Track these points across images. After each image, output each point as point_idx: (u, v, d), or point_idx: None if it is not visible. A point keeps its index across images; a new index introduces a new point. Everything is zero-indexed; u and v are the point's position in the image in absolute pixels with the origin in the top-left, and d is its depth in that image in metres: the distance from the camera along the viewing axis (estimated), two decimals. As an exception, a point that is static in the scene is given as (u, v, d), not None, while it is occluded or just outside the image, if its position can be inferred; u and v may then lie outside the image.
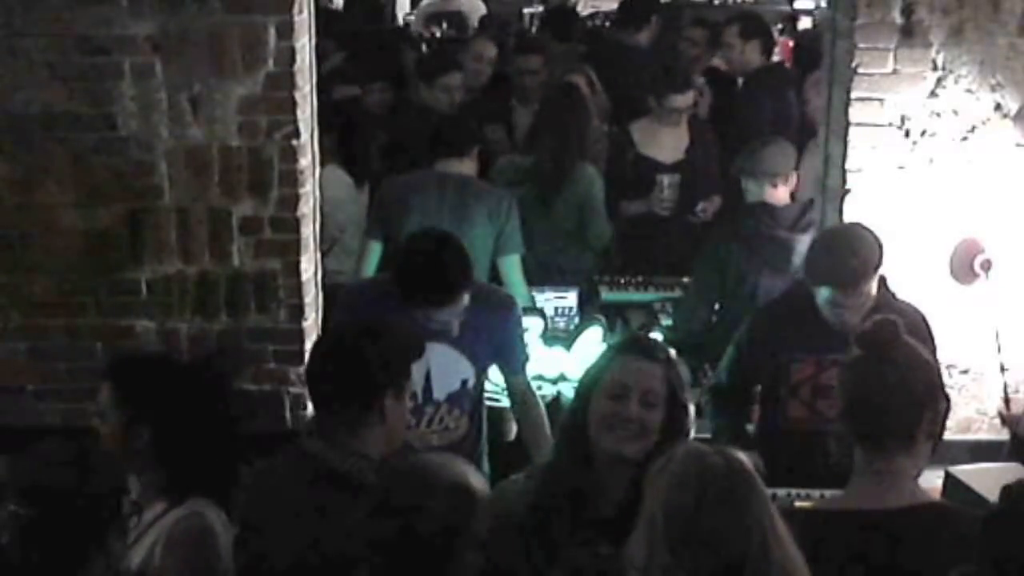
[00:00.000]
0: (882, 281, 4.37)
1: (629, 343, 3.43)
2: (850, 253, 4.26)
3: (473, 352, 4.36)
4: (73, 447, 2.98)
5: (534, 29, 10.09)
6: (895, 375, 2.98)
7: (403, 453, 3.44)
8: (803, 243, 5.17)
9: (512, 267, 5.34)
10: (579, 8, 10.82)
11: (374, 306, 4.31)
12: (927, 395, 3.02)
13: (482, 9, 10.22)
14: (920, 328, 4.07)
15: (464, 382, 4.39)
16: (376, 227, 5.39)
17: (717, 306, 5.43)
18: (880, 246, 4.28)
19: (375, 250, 5.32)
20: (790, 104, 6.97)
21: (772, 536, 2.58)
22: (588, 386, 3.24)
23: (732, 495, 2.57)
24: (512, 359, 4.51)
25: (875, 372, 2.99)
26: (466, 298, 4.22)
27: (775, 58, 7.82)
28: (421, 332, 4.10)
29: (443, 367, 4.33)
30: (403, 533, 2.78)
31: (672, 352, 4.98)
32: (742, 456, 2.66)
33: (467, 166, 5.48)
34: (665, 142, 6.51)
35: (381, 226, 5.36)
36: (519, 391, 4.54)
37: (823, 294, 4.30)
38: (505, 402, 4.75)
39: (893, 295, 4.40)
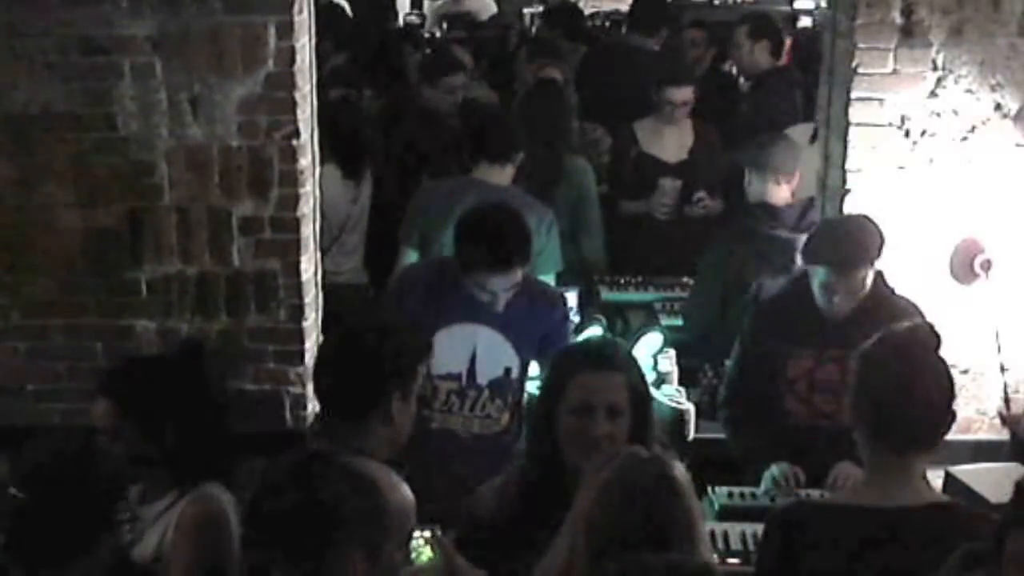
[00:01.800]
0: (880, 276, 4.38)
1: (587, 355, 3.34)
2: (849, 237, 4.33)
3: (519, 341, 4.42)
4: (76, 439, 3.00)
5: (534, 29, 10.10)
6: (929, 386, 3.02)
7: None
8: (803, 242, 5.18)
9: None
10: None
11: (429, 282, 4.44)
12: (951, 400, 3.08)
13: (493, 10, 10.22)
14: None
15: (508, 370, 4.46)
16: (413, 235, 5.25)
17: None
18: (881, 238, 4.32)
19: (412, 257, 5.22)
20: (796, 107, 6.96)
21: (693, 552, 2.59)
22: (550, 401, 3.21)
23: (656, 505, 2.58)
24: None
25: (910, 381, 3.01)
26: (519, 273, 4.28)
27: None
28: (468, 307, 4.30)
29: (489, 352, 4.41)
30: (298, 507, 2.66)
31: (671, 353, 5.05)
32: (679, 466, 2.68)
33: (508, 174, 5.32)
34: (669, 141, 6.50)
35: (418, 234, 5.24)
36: None
37: (818, 275, 4.34)
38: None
39: (892, 291, 4.40)
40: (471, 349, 4.40)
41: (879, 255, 4.32)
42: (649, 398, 3.31)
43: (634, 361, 3.40)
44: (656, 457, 2.69)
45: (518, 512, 3.18)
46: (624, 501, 2.59)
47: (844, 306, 4.30)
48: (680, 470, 2.68)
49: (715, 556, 2.73)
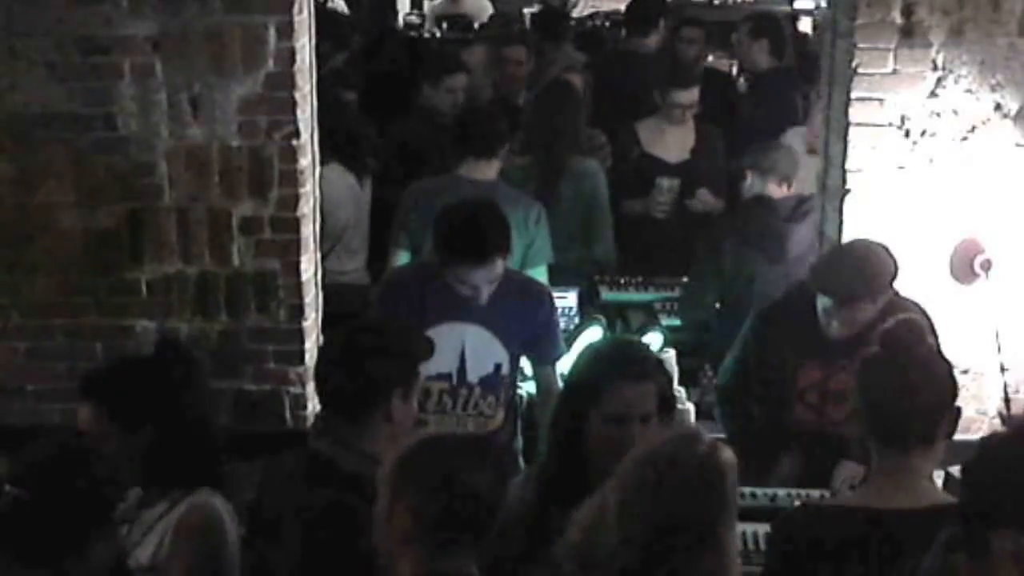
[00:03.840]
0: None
1: (621, 363, 3.33)
2: (856, 270, 4.26)
3: (507, 337, 4.44)
4: (73, 437, 3.01)
5: (534, 29, 10.10)
6: (919, 376, 3.00)
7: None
8: (799, 232, 5.23)
9: (540, 278, 5.13)
10: (579, 8, 10.83)
11: (416, 283, 4.46)
12: (948, 395, 3.05)
13: (489, 11, 10.22)
14: (929, 328, 4.08)
15: (498, 367, 4.47)
16: (402, 235, 5.29)
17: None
18: (893, 269, 4.27)
19: (403, 258, 5.25)
20: (794, 108, 6.95)
21: (717, 538, 2.63)
22: (583, 405, 3.23)
23: (697, 479, 2.61)
24: (544, 350, 4.56)
25: (899, 373, 3.00)
26: (500, 265, 4.30)
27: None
28: (455, 306, 4.32)
29: (477, 349, 4.42)
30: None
31: (671, 353, 5.06)
32: (729, 454, 2.70)
33: (494, 168, 5.37)
34: (671, 142, 6.51)
35: (407, 234, 5.27)
36: (545, 384, 4.58)
37: (822, 301, 4.32)
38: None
39: (896, 292, 4.40)
40: (460, 348, 4.41)
41: (889, 286, 4.28)
42: (674, 402, 3.37)
43: (662, 364, 3.44)
44: (708, 439, 2.71)
45: (538, 509, 3.18)
46: (666, 464, 2.61)
47: (843, 333, 4.27)
48: (728, 455, 2.68)
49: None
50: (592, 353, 3.56)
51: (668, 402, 3.29)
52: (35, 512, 2.80)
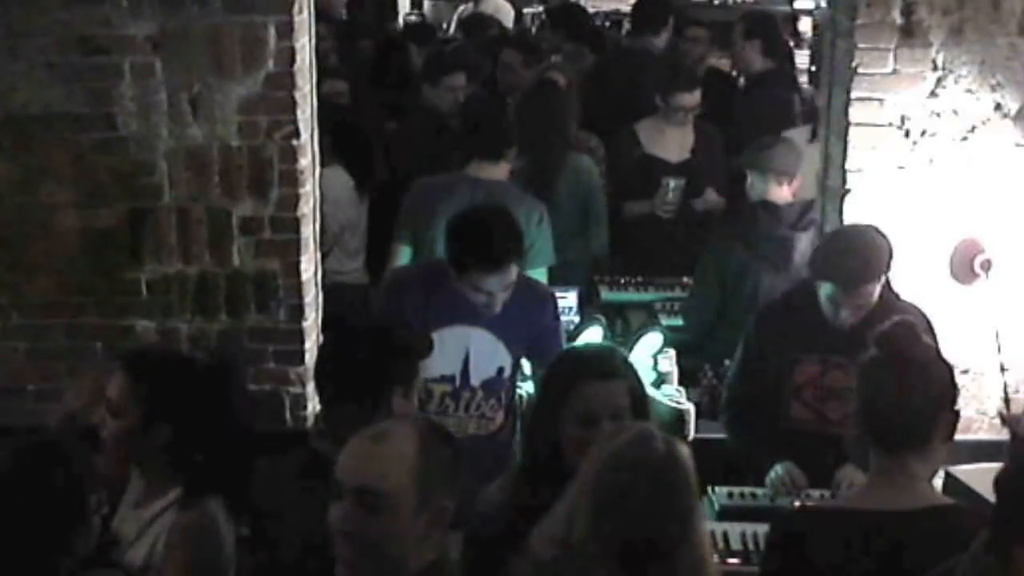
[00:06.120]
0: (886, 282, 4.37)
1: (590, 364, 3.34)
2: (855, 253, 4.27)
3: (511, 341, 4.44)
4: (33, 444, 3.00)
5: (534, 29, 10.10)
6: (914, 377, 2.98)
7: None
8: (803, 241, 5.19)
9: (539, 279, 5.10)
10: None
11: (422, 284, 4.43)
12: (944, 397, 3.03)
13: (511, 14, 10.19)
14: (927, 330, 4.07)
15: (500, 370, 4.47)
16: (405, 230, 5.29)
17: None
18: (890, 252, 4.28)
19: (405, 253, 5.24)
20: (792, 108, 6.94)
21: (692, 532, 2.65)
22: (552, 408, 3.23)
23: (664, 481, 2.64)
24: (547, 353, 4.51)
25: (894, 374, 2.99)
26: (514, 272, 4.28)
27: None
28: (460, 309, 4.30)
29: (482, 353, 4.42)
30: None
31: (671, 353, 5.05)
32: (685, 449, 2.73)
33: (502, 170, 5.36)
34: (671, 142, 6.50)
35: (410, 230, 5.27)
36: None
37: (824, 290, 4.32)
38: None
39: (897, 296, 4.40)
40: (464, 351, 4.41)
41: (888, 268, 4.30)
42: (647, 400, 3.35)
43: (631, 365, 3.42)
44: (665, 436, 2.73)
45: (518, 512, 3.18)
46: (631, 470, 2.62)
47: (850, 319, 4.27)
48: (686, 452, 2.71)
49: (715, 556, 2.76)
50: (561, 356, 3.59)
51: (641, 400, 3.26)
52: (6, 527, 2.80)
